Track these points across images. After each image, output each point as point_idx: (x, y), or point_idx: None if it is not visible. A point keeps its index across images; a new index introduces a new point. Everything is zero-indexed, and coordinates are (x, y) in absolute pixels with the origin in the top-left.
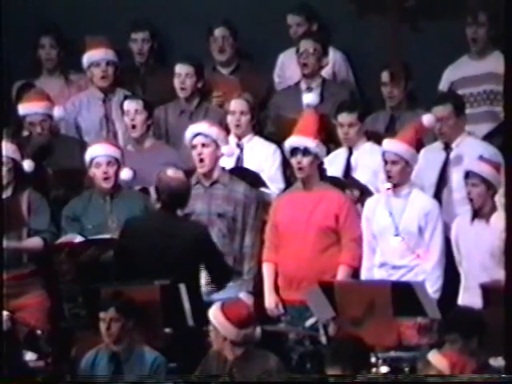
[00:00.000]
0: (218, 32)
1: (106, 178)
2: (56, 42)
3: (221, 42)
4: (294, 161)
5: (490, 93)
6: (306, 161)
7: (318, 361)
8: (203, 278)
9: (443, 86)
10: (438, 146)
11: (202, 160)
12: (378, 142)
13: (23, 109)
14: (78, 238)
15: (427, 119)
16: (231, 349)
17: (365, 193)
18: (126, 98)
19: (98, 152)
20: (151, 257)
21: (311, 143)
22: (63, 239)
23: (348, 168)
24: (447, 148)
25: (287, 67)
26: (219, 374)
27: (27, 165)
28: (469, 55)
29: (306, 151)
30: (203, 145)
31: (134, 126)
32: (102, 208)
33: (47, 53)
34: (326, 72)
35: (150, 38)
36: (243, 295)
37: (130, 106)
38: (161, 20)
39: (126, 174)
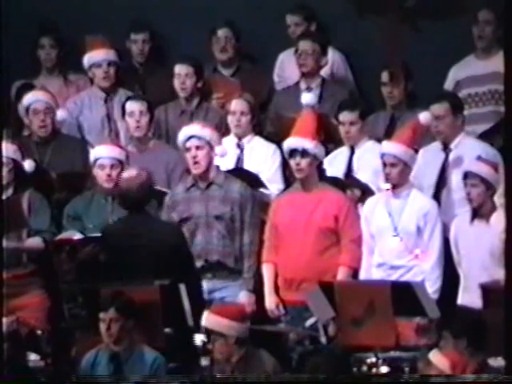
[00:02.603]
0: (221, 33)
1: (108, 180)
2: (55, 41)
3: (223, 43)
4: (292, 162)
5: (495, 92)
6: (304, 162)
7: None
8: None
9: (448, 85)
10: (436, 146)
11: (196, 162)
12: (380, 141)
13: (27, 99)
14: (77, 235)
15: (424, 117)
16: (236, 349)
17: (366, 192)
18: (128, 98)
19: (102, 154)
20: (122, 258)
21: (309, 144)
22: (62, 235)
23: (350, 167)
24: (446, 149)
25: (287, 67)
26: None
27: (28, 165)
28: (475, 54)
29: (304, 152)
30: (197, 147)
31: (138, 127)
32: (103, 208)
33: (47, 53)
34: (324, 72)
35: (150, 38)
36: (243, 294)
37: (135, 107)
38: (160, 20)
39: None
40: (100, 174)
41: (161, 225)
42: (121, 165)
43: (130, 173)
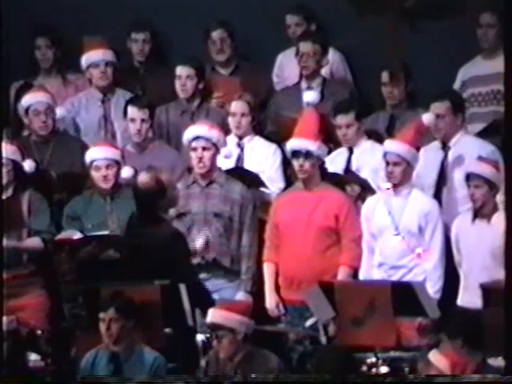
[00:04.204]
0: (216, 34)
1: (105, 180)
2: (51, 42)
3: (219, 45)
4: (295, 163)
5: (497, 93)
6: (308, 164)
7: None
8: None
9: (456, 85)
10: (436, 145)
11: (201, 163)
12: (379, 141)
13: (27, 100)
14: (77, 235)
15: (427, 118)
16: (241, 347)
17: (366, 188)
18: (130, 101)
19: (96, 155)
20: (129, 259)
21: (313, 146)
22: (62, 235)
23: (348, 167)
24: (445, 147)
25: (286, 67)
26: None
27: (28, 165)
28: (482, 55)
29: (308, 154)
30: (204, 148)
31: (138, 134)
32: (102, 208)
33: (42, 53)
34: (324, 71)
35: (151, 38)
36: (241, 295)
37: (136, 115)
38: (160, 20)
39: (126, 172)
40: (96, 176)
41: (165, 226)
42: (117, 164)
43: (144, 176)
